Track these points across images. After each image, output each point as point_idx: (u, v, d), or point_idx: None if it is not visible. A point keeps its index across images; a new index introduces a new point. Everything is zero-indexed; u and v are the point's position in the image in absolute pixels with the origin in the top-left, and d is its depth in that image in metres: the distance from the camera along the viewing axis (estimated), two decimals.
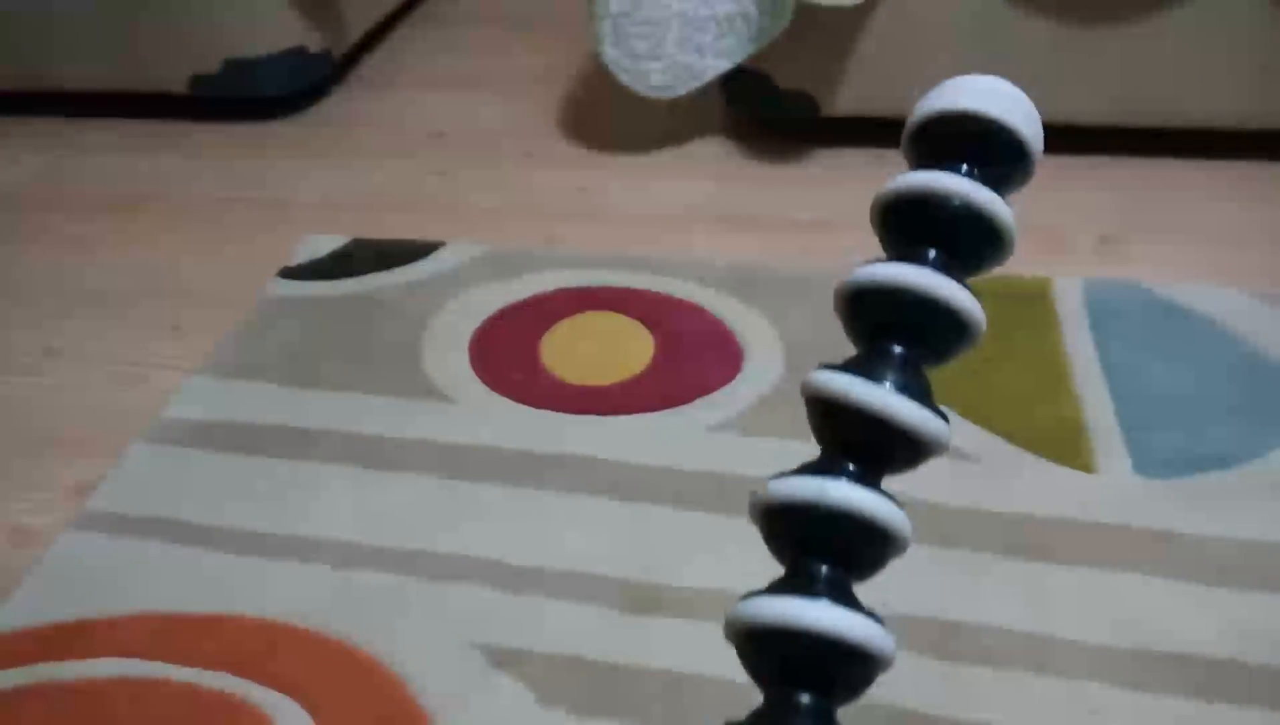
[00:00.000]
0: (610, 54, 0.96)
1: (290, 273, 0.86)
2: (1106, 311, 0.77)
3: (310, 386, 0.73)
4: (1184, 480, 0.62)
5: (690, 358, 0.74)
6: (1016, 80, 1.13)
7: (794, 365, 0.73)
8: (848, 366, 0.27)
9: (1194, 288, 0.79)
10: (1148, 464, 0.64)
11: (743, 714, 0.51)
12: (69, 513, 0.64)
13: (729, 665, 0.55)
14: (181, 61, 1.07)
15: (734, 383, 0.71)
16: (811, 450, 0.72)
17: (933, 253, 0.28)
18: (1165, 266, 0.83)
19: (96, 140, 1.10)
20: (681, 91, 0.95)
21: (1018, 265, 0.84)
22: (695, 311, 0.79)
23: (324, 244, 0.89)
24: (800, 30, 0.91)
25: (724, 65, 0.94)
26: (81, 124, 1.13)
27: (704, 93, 0.97)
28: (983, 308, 0.27)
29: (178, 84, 1.08)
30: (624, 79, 0.96)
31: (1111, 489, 0.62)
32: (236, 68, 1.07)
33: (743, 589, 0.59)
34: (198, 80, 1.08)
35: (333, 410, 0.71)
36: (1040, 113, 1.16)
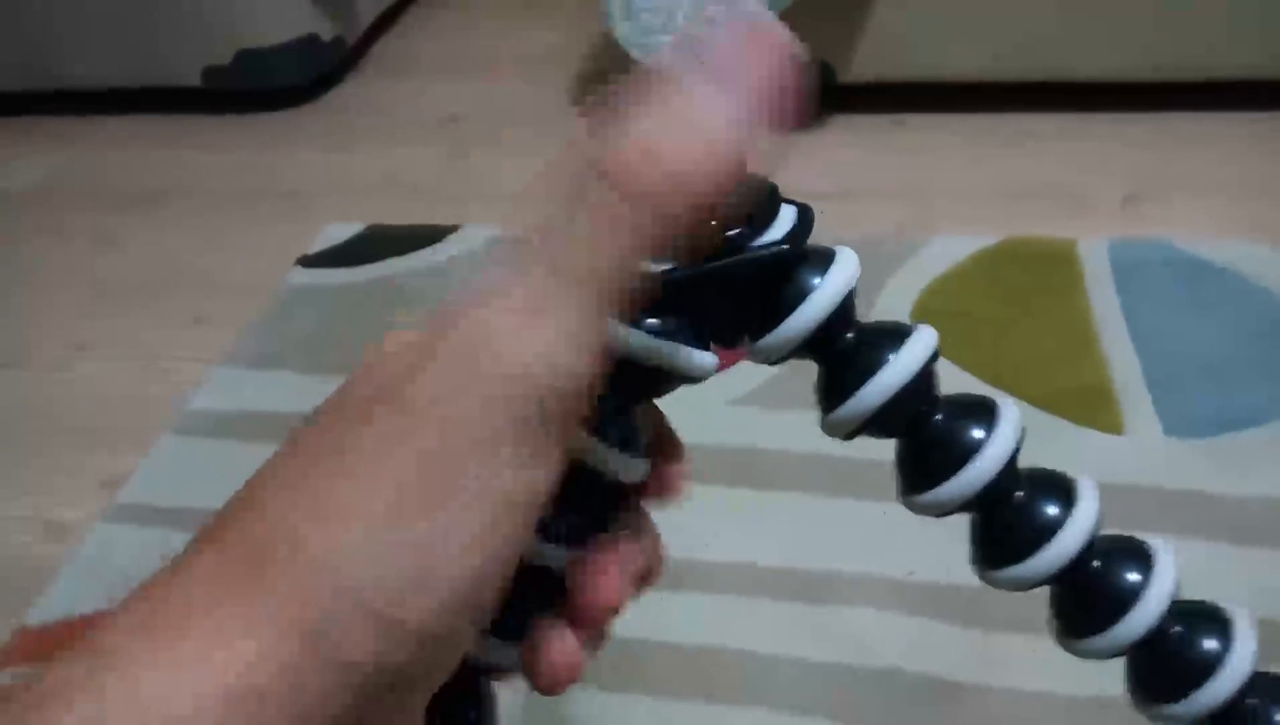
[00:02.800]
0: (622, 29, 0.95)
1: (309, 261, 0.86)
2: (1133, 271, 0.76)
3: (332, 374, 0.73)
4: (1215, 440, 0.61)
5: None
6: (1033, 37, 1.10)
7: None
8: None
9: (1222, 244, 0.78)
10: (1177, 425, 0.63)
11: (769, 687, 0.52)
12: (101, 505, 0.65)
13: (756, 638, 0.55)
14: (194, 55, 1.07)
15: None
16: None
17: None
18: (1192, 223, 0.81)
19: (114, 136, 1.11)
20: None
21: (1042, 227, 0.83)
22: None
23: (341, 231, 0.90)
24: None
25: None
26: (98, 121, 1.13)
27: None
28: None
29: (191, 77, 1.08)
30: (636, 54, 0.95)
31: (1141, 451, 0.61)
32: (249, 59, 1.07)
33: (767, 561, 0.59)
34: (211, 73, 1.08)
35: None
36: (1059, 69, 1.14)
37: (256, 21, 1.07)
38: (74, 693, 0.18)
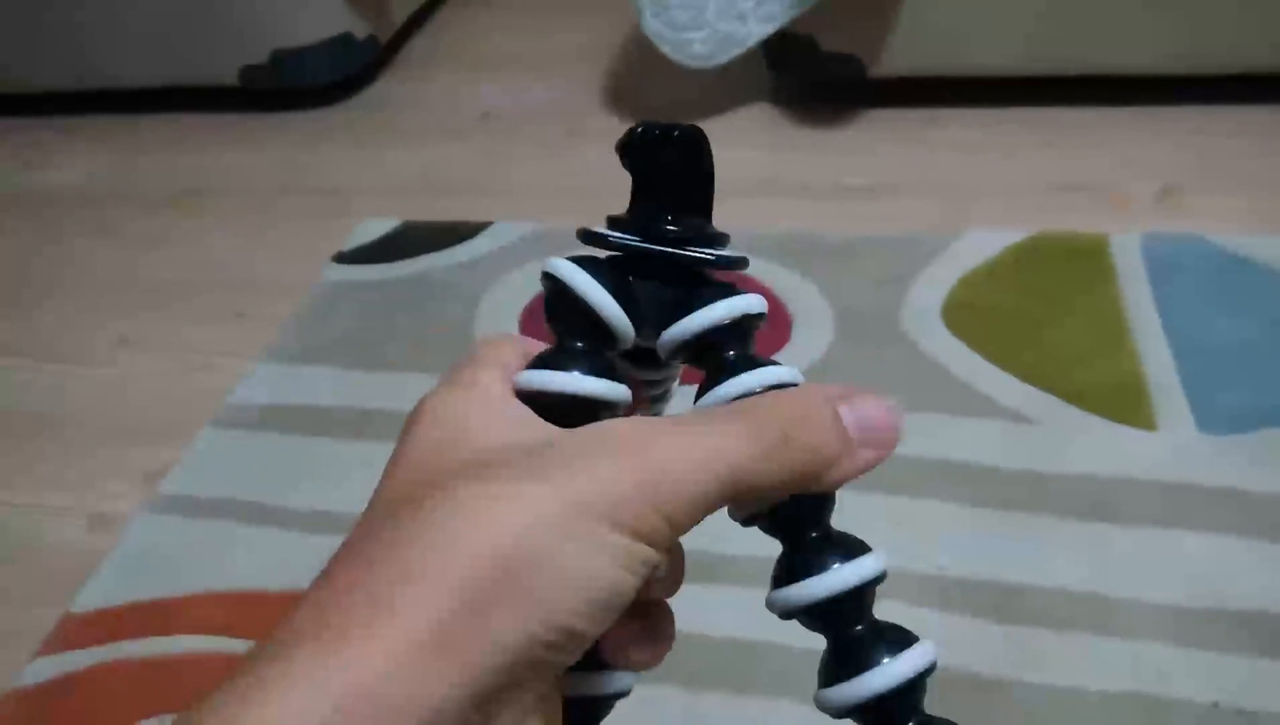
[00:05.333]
0: (652, 25, 0.95)
1: (345, 258, 0.87)
2: (1166, 266, 0.75)
3: (369, 368, 0.75)
4: (1248, 436, 0.61)
5: None
6: (1065, 31, 1.09)
7: (845, 333, 0.72)
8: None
9: (1257, 238, 0.77)
10: (1211, 420, 0.62)
11: (799, 679, 0.52)
12: (144, 497, 0.67)
13: (786, 632, 0.56)
14: (231, 55, 1.09)
15: (782, 351, 0.71)
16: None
17: None
18: (1227, 218, 0.81)
19: (154, 136, 1.13)
20: (724, 60, 0.94)
21: (1075, 221, 0.83)
22: (744, 281, 0.79)
23: (377, 228, 0.91)
24: None
25: (767, 30, 0.93)
26: (139, 120, 1.15)
27: (747, 60, 0.96)
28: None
29: (229, 77, 1.10)
30: (666, 50, 0.96)
31: (1174, 447, 0.61)
32: (285, 58, 1.09)
33: None
34: (248, 72, 1.10)
35: (392, 390, 0.72)
36: (1092, 63, 1.13)
37: (292, 21, 1.08)
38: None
